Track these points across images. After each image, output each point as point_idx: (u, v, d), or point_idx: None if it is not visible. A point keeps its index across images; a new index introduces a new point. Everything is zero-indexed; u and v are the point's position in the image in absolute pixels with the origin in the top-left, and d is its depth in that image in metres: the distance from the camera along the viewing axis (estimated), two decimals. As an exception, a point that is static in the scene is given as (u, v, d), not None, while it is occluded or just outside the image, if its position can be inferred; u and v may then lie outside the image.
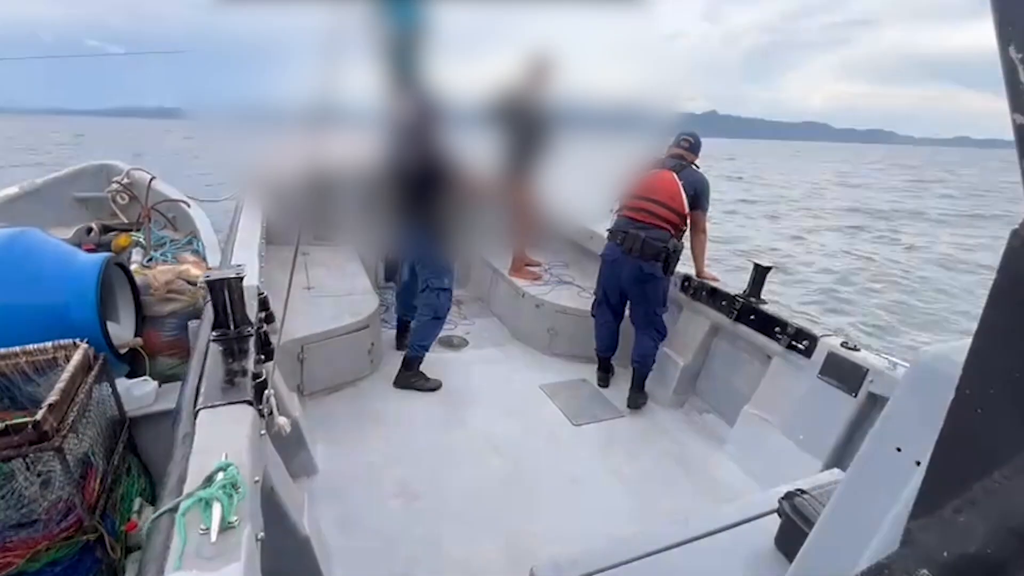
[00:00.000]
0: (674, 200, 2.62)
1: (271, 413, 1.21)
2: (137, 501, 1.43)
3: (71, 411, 1.26)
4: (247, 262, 1.84)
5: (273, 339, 1.42)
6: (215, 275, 1.33)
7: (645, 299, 2.76)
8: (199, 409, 1.07)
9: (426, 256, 2.76)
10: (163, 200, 2.97)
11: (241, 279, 1.37)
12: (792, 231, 12.95)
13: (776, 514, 1.10)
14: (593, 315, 3.01)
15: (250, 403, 1.12)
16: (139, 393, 1.66)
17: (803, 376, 2.27)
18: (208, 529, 0.76)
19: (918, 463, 0.53)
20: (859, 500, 0.66)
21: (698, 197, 2.67)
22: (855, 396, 2.05)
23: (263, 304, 1.64)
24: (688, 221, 2.69)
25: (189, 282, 2.20)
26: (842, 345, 2.17)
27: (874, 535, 0.56)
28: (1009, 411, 0.39)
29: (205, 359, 1.28)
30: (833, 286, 8.35)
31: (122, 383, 1.63)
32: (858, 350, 2.13)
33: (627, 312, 2.92)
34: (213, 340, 1.34)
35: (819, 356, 2.21)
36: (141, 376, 1.74)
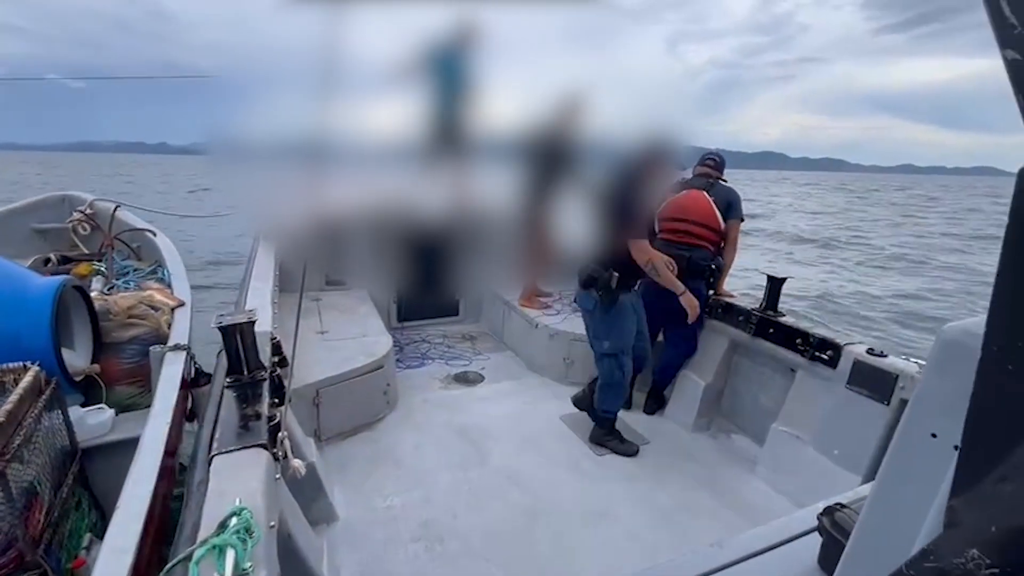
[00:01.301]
0: (709, 218, 2.73)
1: (285, 456, 1.23)
2: (87, 537, 1.34)
3: (17, 435, 1.19)
4: (260, 307, 1.82)
5: (286, 383, 1.43)
6: (227, 320, 1.38)
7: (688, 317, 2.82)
8: (213, 455, 1.09)
9: (588, 316, 2.57)
10: (127, 230, 2.91)
11: (253, 323, 1.41)
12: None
13: (817, 532, 1.04)
14: None
15: (264, 447, 1.14)
16: (93, 422, 1.58)
17: (831, 387, 2.22)
18: None
19: (956, 447, 0.49)
20: (897, 498, 0.62)
21: (732, 206, 2.77)
22: (887, 404, 2.00)
23: (276, 349, 1.67)
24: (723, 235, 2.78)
25: (152, 307, 2.13)
26: (868, 352, 2.12)
27: (919, 531, 0.53)
28: None
29: (220, 405, 1.31)
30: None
31: (75, 412, 1.56)
32: (885, 356, 2.09)
33: (660, 337, 2.97)
34: (227, 386, 1.37)
35: (845, 365, 2.16)
36: (96, 405, 1.65)
